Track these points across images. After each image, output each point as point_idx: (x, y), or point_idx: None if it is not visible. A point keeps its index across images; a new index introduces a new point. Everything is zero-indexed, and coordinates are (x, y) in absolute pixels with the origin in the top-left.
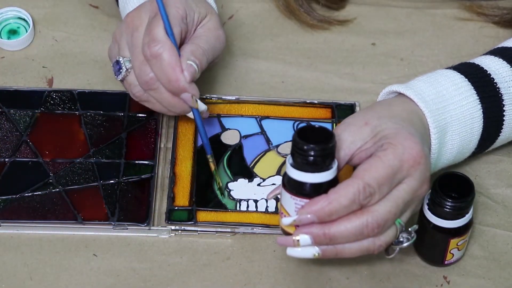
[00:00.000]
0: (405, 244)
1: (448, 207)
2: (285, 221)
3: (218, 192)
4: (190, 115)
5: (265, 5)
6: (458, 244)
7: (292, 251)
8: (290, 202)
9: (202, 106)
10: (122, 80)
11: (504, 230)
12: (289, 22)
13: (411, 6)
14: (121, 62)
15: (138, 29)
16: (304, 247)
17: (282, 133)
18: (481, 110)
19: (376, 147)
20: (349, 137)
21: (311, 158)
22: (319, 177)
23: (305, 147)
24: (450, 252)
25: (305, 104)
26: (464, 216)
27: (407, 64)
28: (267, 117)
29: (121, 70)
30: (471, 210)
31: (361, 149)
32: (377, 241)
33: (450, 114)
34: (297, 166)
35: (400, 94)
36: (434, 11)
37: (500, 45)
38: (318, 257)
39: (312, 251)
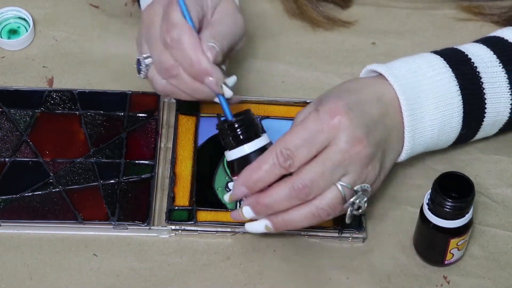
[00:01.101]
0: (358, 207)
1: (448, 207)
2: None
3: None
4: (217, 100)
5: (266, 5)
6: (458, 244)
7: (248, 227)
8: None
9: (228, 92)
10: (146, 77)
11: (504, 230)
12: (290, 22)
13: (411, 7)
14: (141, 59)
15: (154, 23)
16: (258, 222)
17: (282, 133)
18: (458, 86)
19: None
20: (301, 116)
21: (228, 133)
22: (240, 151)
23: (220, 125)
24: (450, 252)
25: (305, 104)
26: (464, 216)
27: None
28: (267, 117)
29: (141, 67)
30: (471, 210)
31: None
32: (318, 204)
33: (423, 88)
34: (226, 147)
35: (378, 74)
36: (434, 11)
37: (486, 35)
38: (271, 230)
39: (263, 223)
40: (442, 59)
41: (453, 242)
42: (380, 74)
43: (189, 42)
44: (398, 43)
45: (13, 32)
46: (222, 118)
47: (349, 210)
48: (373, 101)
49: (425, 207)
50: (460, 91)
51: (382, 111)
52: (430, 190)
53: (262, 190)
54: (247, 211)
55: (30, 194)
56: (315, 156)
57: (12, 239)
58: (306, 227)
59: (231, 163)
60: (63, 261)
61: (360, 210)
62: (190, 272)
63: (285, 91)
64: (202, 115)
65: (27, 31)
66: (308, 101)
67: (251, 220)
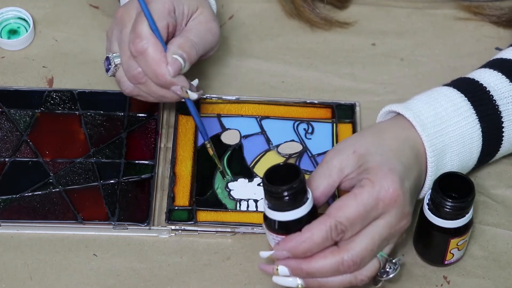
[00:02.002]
0: (391, 275)
1: (448, 207)
2: (263, 254)
3: (220, 176)
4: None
5: (265, 5)
6: (458, 244)
7: (277, 279)
8: (270, 237)
9: (193, 96)
10: (113, 76)
11: (504, 230)
12: (289, 22)
13: (411, 7)
14: (111, 58)
15: (127, 25)
16: (290, 278)
17: (282, 133)
18: (480, 129)
19: (358, 179)
20: (337, 164)
21: (282, 198)
22: (290, 215)
23: (273, 189)
24: (450, 252)
25: (305, 104)
26: (464, 216)
27: (407, 64)
28: (267, 117)
29: (110, 66)
30: (471, 210)
31: (347, 177)
32: (359, 275)
33: (449, 136)
34: (270, 206)
35: (398, 114)
36: (434, 11)
37: (497, 56)
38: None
39: (296, 282)
40: (466, 99)
41: (453, 242)
42: (400, 114)
43: (153, 55)
44: (398, 43)
45: (13, 32)
46: (223, 119)
47: (382, 278)
48: (414, 164)
49: (425, 207)
50: (481, 134)
51: (419, 170)
52: (430, 190)
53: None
54: (283, 271)
55: (30, 194)
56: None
57: (12, 239)
58: None
59: (271, 220)
60: (63, 261)
61: (389, 278)
62: (190, 272)
63: (285, 91)
64: (202, 115)
65: (27, 31)
66: (308, 101)
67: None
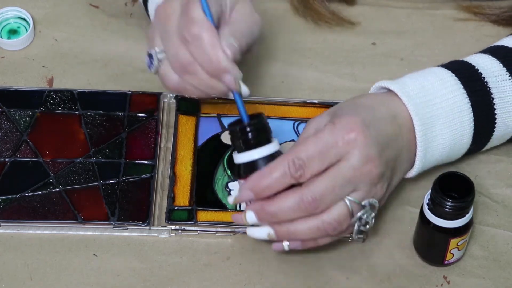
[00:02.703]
0: (364, 220)
1: (448, 207)
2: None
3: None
4: (231, 96)
5: (266, 5)
6: (458, 244)
7: (250, 231)
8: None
9: (245, 89)
10: (156, 73)
11: (504, 230)
12: (289, 22)
13: (411, 7)
14: (153, 53)
15: (170, 17)
16: (260, 228)
17: (282, 133)
18: (469, 103)
19: None
20: (314, 126)
21: (245, 134)
22: (254, 154)
23: (232, 128)
24: (450, 252)
25: (305, 104)
26: (464, 216)
27: (407, 64)
28: (267, 117)
29: (153, 62)
30: (471, 210)
31: None
32: (325, 218)
33: (436, 107)
34: (236, 149)
35: (387, 91)
36: (434, 11)
37: (492, 44)
38: (273, 238)
39: (265, 231)
40: (453, 75)
41: (453, 242)
42: (392, 91)
43: (209, 39)
44: (398, 43)
45: (13, 32)
46: (223, 119)
47: (356, 225)
48: (387, 120)
49: (425, 207)
50: (471, 108)
51: (396, 131)
52: (430, 190)
53: (268, 197)
54: (250, 216)
55: (30, 194)
56: (326, 169)
57: (12, 239)
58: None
59: (237, 166)
60: (63, 261)
61: (368, 226)
62: (190, 272)
63: (285, 91)
64: (202, 115)
65: (27, 31)
66: (308, 101)
67: (254, 225)
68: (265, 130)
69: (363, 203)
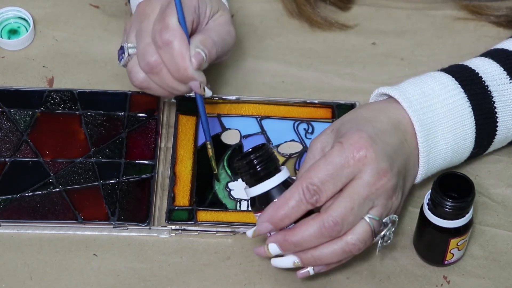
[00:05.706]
0: (386, 236)
1: (448, 207)
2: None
3: (215, 180)
4: (192, 94)
5: (265, 5)
6: (458, 244)
7: (275, 262)
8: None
9: (208, 93)
10: (125, 66)
11: (504, 230)
12: (290, 22)
13: (411, 7)
14: (125, 47)
15: (149, 16)
16: (285, 258)
17: (282, 133)
18: (470, 107)
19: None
20: (319, 145)
21: (254, 167)
22: (266, 185)
23: (239, 163)
24: (450, 252)
25: (305, 104)
26: (464, 216)
27: (407, 64)
28: (267, 117)
29: (123, 55)
30: (471, 210)
31: None
32: (349, 240)
33: (437, 112)
34: (246, 184)
35: (388, 97)
36: (434, 11)
37: (493, 48)
38: (299, 265)
39: (291, 260)
40: (453, 79)
41: (453, 242)
42: (392, 97)
43: (179, 48)
44: (398, 43)
45: (13, 32)
46: (223, 119)
47: (379, 243)
48: (391, 130)
49: (425, 207)
50: (472, 112)
51: (400, 139)
52: (430, 190)
53: (287, 226)
54: (273, 248)
55: (30, 194)
56: (341, 190)
57: (12, 239)
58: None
59: (252, 200)
60: (63, 261)
61: (389, 241)
62: (190, 272)
63: (285, 91)
64: None
65: (27, 31)
66: (308, 101)
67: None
68: (272, 159)
69: (384, 220)
